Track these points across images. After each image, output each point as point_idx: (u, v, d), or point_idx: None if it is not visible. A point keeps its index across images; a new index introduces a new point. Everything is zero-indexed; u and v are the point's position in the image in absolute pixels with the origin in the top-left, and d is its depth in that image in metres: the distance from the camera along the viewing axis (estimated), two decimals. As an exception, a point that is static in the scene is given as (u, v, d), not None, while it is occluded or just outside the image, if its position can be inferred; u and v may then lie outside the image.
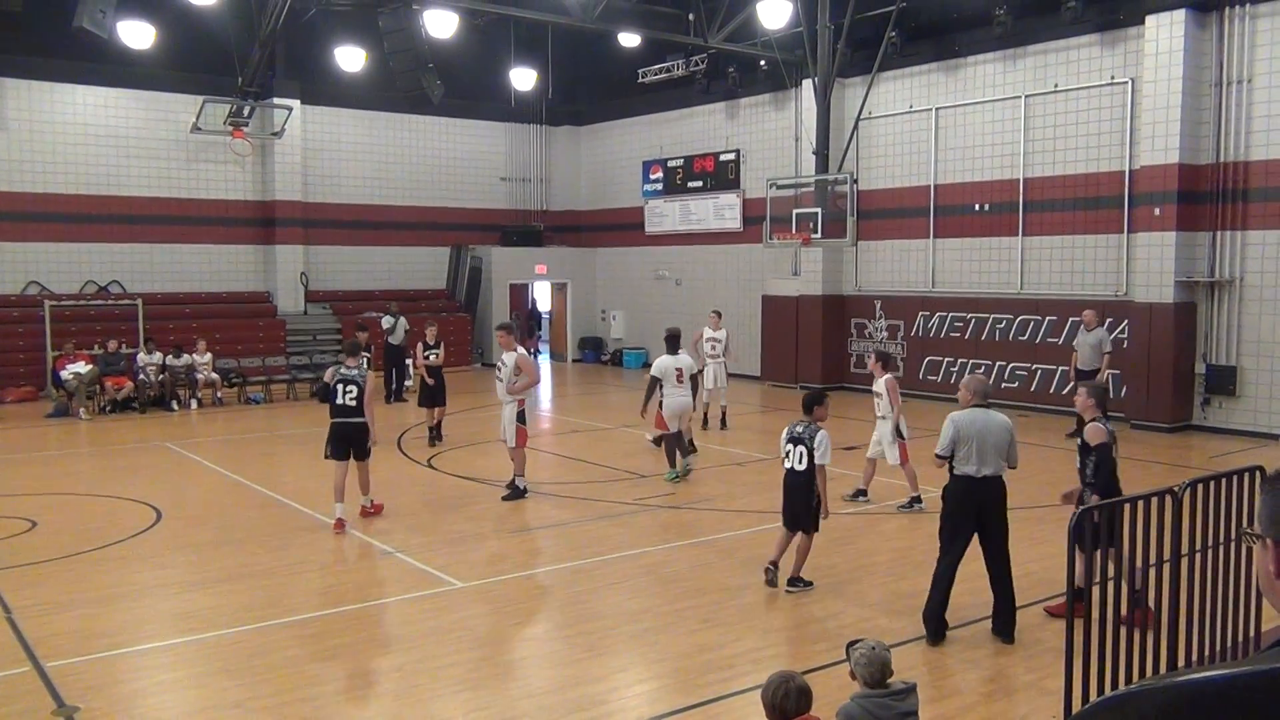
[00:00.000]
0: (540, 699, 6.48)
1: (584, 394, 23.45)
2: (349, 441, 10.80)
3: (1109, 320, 17.42)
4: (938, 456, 7.41)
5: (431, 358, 15.75)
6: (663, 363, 13.15)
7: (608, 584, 8.87)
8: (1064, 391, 16.74)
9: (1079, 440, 8.06)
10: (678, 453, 12.92)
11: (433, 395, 15.63)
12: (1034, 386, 18.70)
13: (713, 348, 16.32)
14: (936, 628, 7.35)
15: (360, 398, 10.75)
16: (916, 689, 4.54)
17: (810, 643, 7.47)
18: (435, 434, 15.69)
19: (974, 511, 7.35)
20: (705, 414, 16.53)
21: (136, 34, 19.86)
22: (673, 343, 13.53)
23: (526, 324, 29.66)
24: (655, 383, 13.09)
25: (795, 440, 8.53)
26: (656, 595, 8.51)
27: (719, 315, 17.02)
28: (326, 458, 10.85)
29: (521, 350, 12.10)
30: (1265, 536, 1.75)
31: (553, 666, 7.11)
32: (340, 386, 10.80)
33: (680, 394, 13.03)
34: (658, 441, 13.74)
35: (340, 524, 10.54)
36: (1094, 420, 7.90)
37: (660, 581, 8.87)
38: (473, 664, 7.03)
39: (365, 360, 11.65)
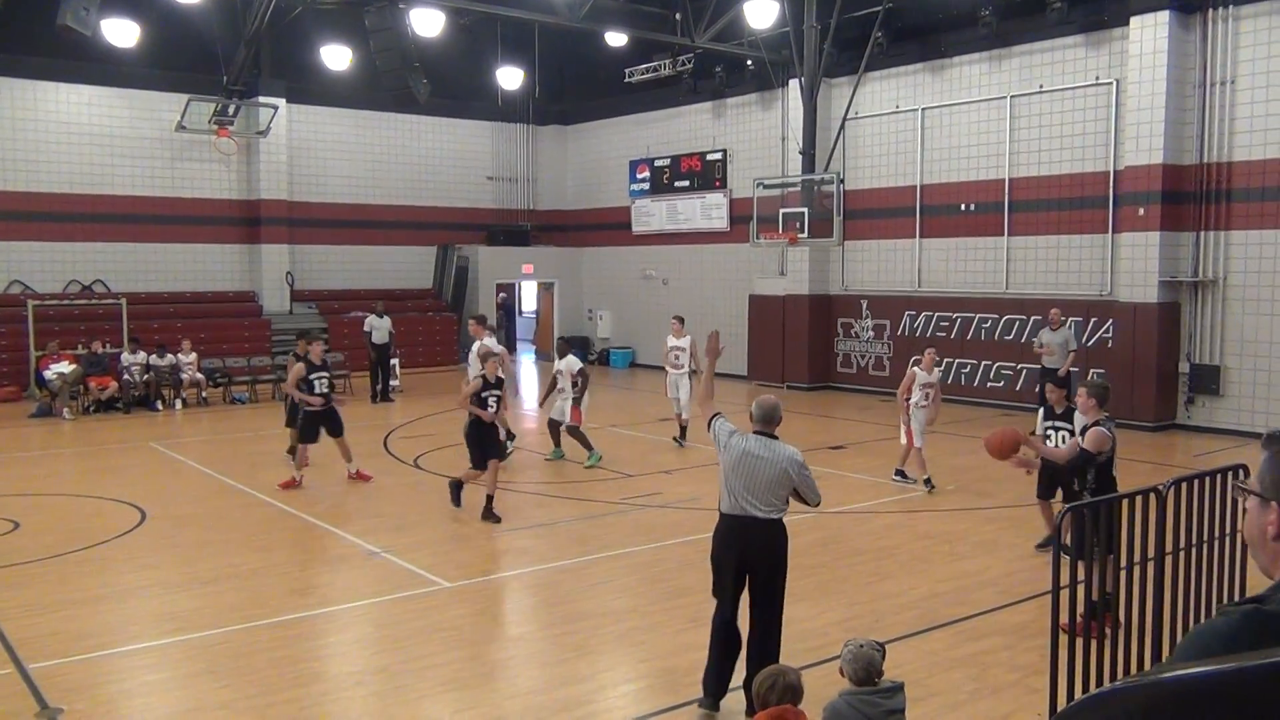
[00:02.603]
0: (527, 699, 6.47)
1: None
2: (320, 421, 12.04)
3: (1093, 320, 17.53)
4: (715, 415, 6.28)
5: (318, 386, 12.51)
6: (568, 363, 14.01)
7: (594, 583, 8.86)
8: (1036, 389, 16.77)
9: (1079, 445, 7.65)
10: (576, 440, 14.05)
11: (322, 426, 12.53)
12: (1019, 386, 18.78)
13: (676, 358, 15.34)
14: (714, 690, 6.10)
15: (330, 383, 12.27)
16: (904, 688, 4.55)
17: (794, 641, 7.47)
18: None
19: (736, 558, 6.05)
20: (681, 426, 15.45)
21: (120, 32, 19.75)
22: (569, 345, 14.66)
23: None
24: (555, 380, 14.21)
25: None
26: (643, 595, 8.51)
27: (681, 322, 15.85)
28: (298, 444, 12.21)
29: (486, 341, 12.53)
30: (1268, 497, 1.76)
31: (539, 666, 7.10)
32: (315, 381, 12.21)
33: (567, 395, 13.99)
34: (572, 432, 14.04)
35: (292, 481, 11.98)
36: (1097, 425, 7.50)
37: (647, 581, 8.87)
38: (459, 664, 7.02)
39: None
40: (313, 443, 12.45)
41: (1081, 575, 5.79)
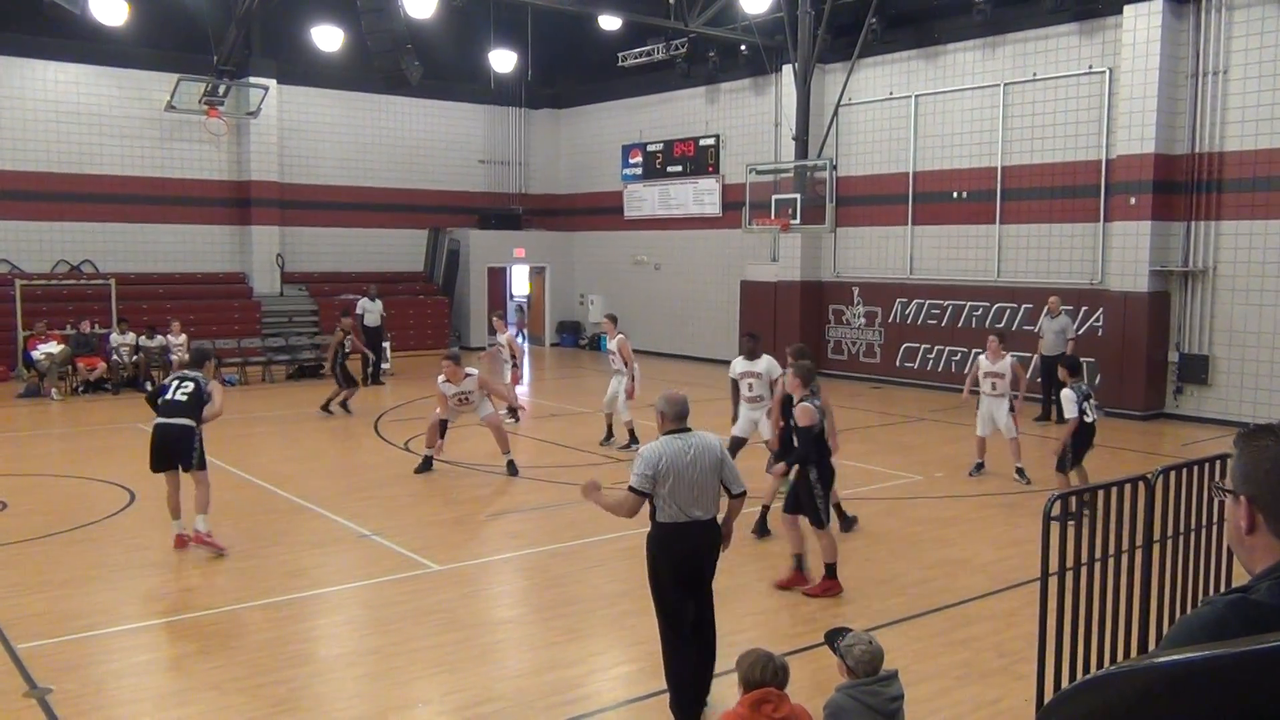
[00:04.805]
0: (518, 681, 6.49)
1: (562, 378, 23.43)
2: (171, 449, 9.01)
3: (1084, 309, 17.57)
4: (631, 489, 5.73)
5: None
6: (769, 365, 12.17)
7: (586, 567, 8.88)
8: (1038, 379, 16.83)
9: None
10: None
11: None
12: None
13: (612, 361, 14.05)
14: (688, 714, 5.87)
15: (194, 396, 9.03)
16: (899, 675, 4.57)
17: (789, 625, 7.51)
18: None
19: (681, 565, 5.87)
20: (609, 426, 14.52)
21: (109, 10, 19.57)
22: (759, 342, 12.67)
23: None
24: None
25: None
26: (635, 578, 8.49)
27: (614, 321, 14.58)
28: (153, 470, 9.25)
29: (473, 372, 12.67)
30: (1237, 492, 1.78)
31: (531, 649, 7.12)
32: (175, 382, 9.19)
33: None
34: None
35: (181, 540, 9.15)
36: (804, 401, 8.15)
37: (638, 564, 8.79)
38: (450, 646, 7.03)
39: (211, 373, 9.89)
40: (171, 470, 9.47)
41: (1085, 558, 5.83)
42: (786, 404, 8.92)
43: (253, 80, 23.65)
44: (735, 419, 11.25)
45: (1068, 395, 10.25)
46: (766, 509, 9.84)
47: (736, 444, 10.91)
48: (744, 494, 6.00)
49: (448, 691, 6.35)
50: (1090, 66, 17.61)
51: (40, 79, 22.12)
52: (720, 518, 5.99)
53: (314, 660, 6.93)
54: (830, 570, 8.15)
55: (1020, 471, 12.10)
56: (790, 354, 9.59)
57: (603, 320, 14.50)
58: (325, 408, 16.81)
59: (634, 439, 13.68)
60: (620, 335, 14.13)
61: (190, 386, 9.09)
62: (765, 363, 11.23)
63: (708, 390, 17.62)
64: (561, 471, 12.75)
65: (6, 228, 21.89)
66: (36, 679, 6.37)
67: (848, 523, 9.99)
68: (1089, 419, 10.25)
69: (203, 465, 9.19)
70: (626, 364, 13.61)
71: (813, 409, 8.07)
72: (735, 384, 11.43)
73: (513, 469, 12.37)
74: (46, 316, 20.01)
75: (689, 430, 5.90)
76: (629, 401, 13.79)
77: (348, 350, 16.78)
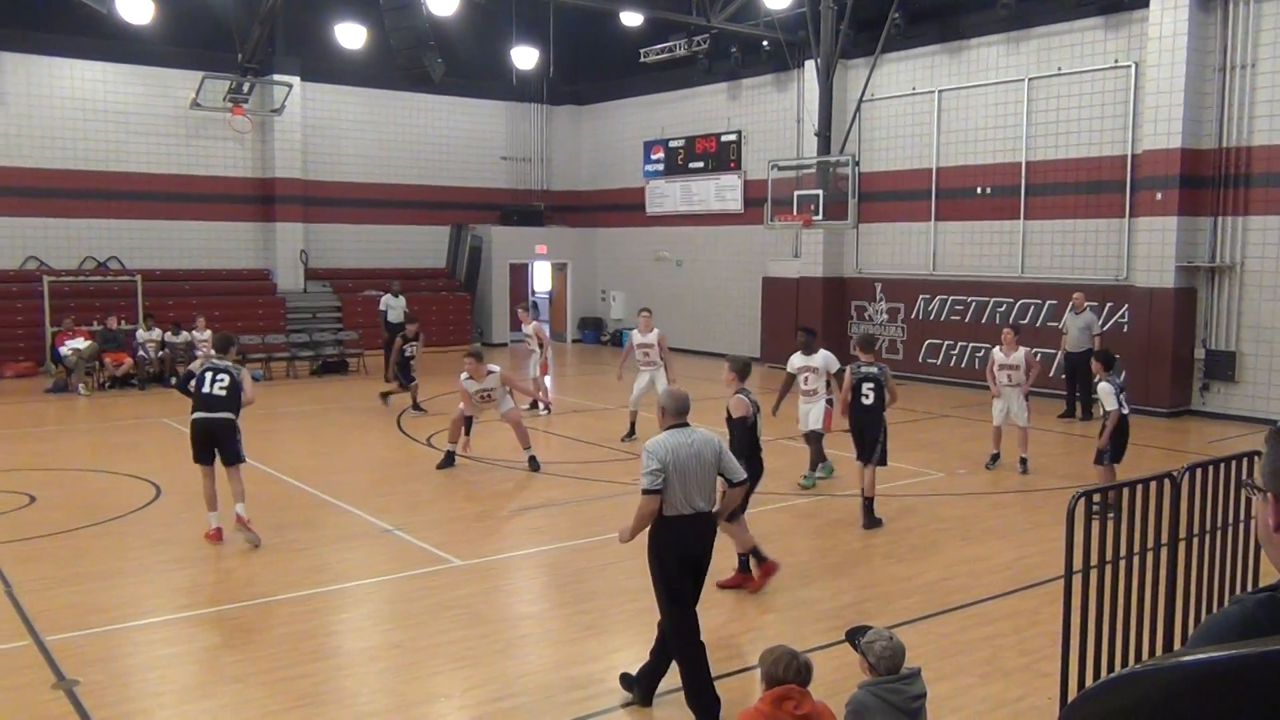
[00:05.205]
0: (538, 676, 6.51)
1: (583, 374, 23.45)
2: (213, 441, 9.22)
3: (1109, 305, 17.43)
4: (647, 492, 5.80)
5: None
6: (825, 359, 12.18)
7: (606, 563, 8.88)
8: (1062, 376, 16.72)
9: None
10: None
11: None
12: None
13: (645, 354, 14.13)
14: (708, 706, 5.82)
15: (232, 389, 9.21)
16: (921, 673, 4.54)
17: (810, 623, 7.50)
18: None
19: (687, 556, 5.96)
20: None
21: (135, 8, 19.69)
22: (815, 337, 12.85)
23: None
24: None
25: (866, 379, 9.95)
26: (655, 575, 8.52)
27: (649, 314, 14.50)
28: (195, 462, 9.38)
29: (496, 368, 12.67)
30: (1266, 490, 1.76)
31: (551, 644, 7.13)
32: (209, 374, 9.21)
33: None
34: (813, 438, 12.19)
35: (217, 532, 9.31)
36: (737, 395, 8.27)
37: (658, 561, 8.87)
38: (471, 641, 7.05)
39: (240, 359, 10.27)
40: (208, 464, 9.62)
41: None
42: (854, 390, 10.02)
43: (277, 78, 23.79)
44: (774, 411, 11.28)
45: (1105, 388, 10.19)
46: (870, 501, 10.06)
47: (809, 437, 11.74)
48: (745, 482, 6.24)
49: (470, 686, 6.37)
50: (1116, 60, 17.45)
51: (68, 78, 22.33)
52: (716, 508, 6.18)
53: (337, 654, 6.97)
54: (744, 563, 8.17)
55: (1023, 462, 12.42)
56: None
57: (639, 316, 14.44)
58: (416, 406, 16.77)
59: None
60: (657, 330, 14.39)
61: (225, 379, 9.24)
62: (821, 357, 11.68)
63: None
64: (584, 467, 12.77)
65: (35, 224, 22.12)
66: (64, 671, 6.44)
67: (872, 521, 9.97)
68: (1125, 411, 10.25)
69: (242, 459, 9.43)
70: (664, 358, 14.00)
71: (746, 401, 8.21)
72: (791, 378, 11.85)
73: (534, 464, 12.40)
74: (74, 312, 20.25)
75: (688, 425, 6.04)
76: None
77: (409, 355, 16.74)
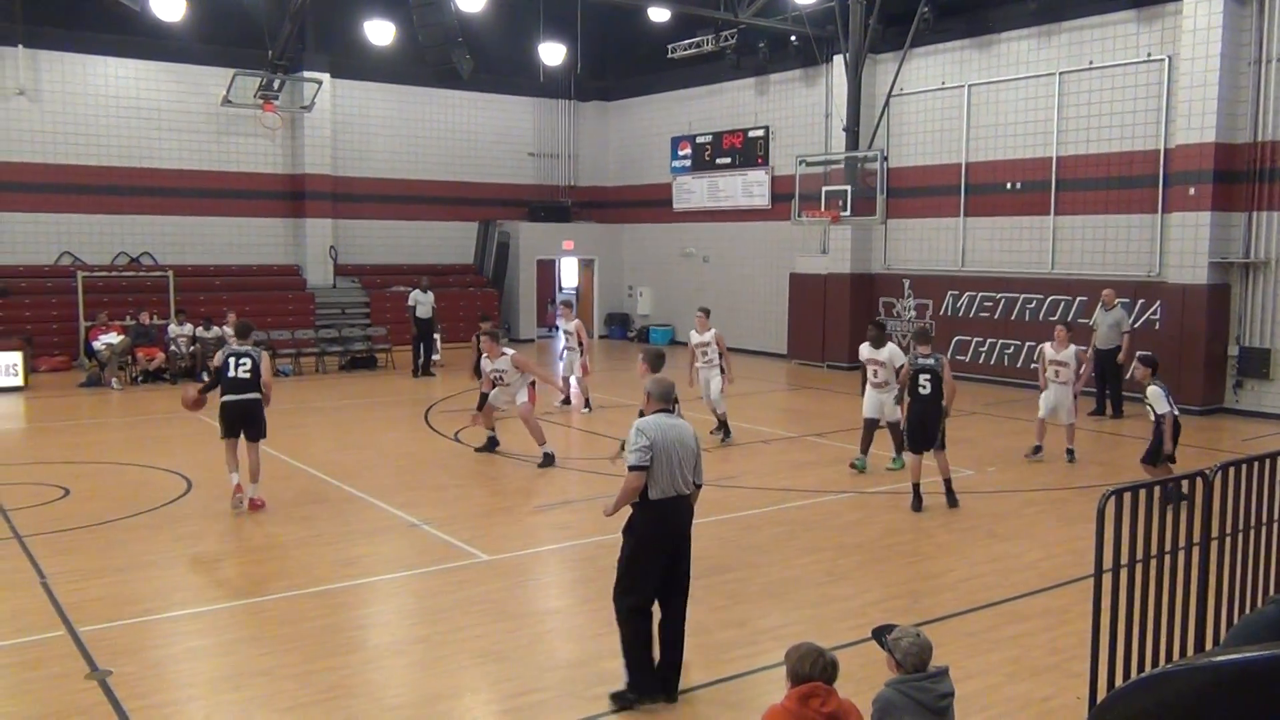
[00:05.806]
0: (565, 672, 6.52)
1: (610, 370, 23.46)
2: (244, 419, 10.19)
3: (1140, 301, 17.24)
4: (633, 469, 5.94)
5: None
6: (891, 353, 12.57)
7: (632, 559, 8.88)
8: (1092, 374, 16.54)
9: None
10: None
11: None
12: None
13: (704, 353, 14.10)
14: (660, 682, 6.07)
15: (255, 371, 10.18)
16: (949, 671, 4.51)
17: (835, 620, 7.47)
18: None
19: (670, 541, 6.07)
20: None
21: (168, 6, 19.89)
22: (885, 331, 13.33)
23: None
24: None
25: (923, 370, 10.39)
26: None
27: (704, 314, 14.42)
28: (221, 437, 10.27)
29: (509, 351, 12.85)
30: None
31: (577, 640, 7.15)
32: (233, 360, 10.19)
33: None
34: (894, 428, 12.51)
35: (239, 488, 10.21)
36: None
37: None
38: (498, 636, 7.08)
39: (260, 344, 11.32)
40: (234, 437, 10.38)
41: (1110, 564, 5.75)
42: (912, 381, 10.55)
43: (306, 75, 23.96)
44: (863, 395, 12.34)
45: (1155, 392, 10.24)
46: (949, 482, 10.62)
47: (869, 425, 12.24)
48: (700, 487, 6.25)
49: (495, 680, 6.40)
50: (1149, 54, 17.24)
51: (101, 75, 22.58)
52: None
53: (364, 648, 7.02)
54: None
55: (1070, 453, 12.86)
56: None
57: (696, 316, 14.39)
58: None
59: (726, 430, 14.07)
60: (714, 329, 14.22)
61: (248, 363, 10.20)
62: (889, 350, 12.19)
63: (756, 384, 17.57)
64: (611, 464, 12.76)
65: (69, 220, 22.40)
66: (98, 661, 6.53)
67: (954, 500, 10.61)
68: (1175, 413, 10.30)
69: (264, 435, 10.45)
70: (722, 356, 13.99)
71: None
72: (864, 369, 12.51)
73: (549, 460, 12.40)
74: (107, 308, 20.50)
75: (672, 411, 6.21)
76: (722, 392, 14.02)
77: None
